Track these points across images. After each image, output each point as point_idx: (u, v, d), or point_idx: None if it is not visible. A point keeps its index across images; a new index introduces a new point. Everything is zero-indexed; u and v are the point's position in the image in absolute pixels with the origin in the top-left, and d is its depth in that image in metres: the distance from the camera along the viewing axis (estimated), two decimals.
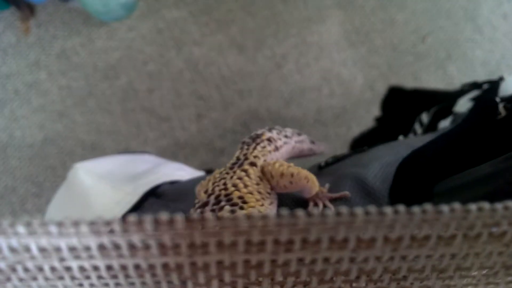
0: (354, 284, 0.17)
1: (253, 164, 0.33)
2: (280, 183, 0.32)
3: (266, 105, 1.05)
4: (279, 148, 0.38)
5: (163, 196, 0.41)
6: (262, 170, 0.33)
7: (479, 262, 0.16)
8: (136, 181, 0.43)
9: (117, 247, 0.13)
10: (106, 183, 0.42)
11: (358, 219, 0.12)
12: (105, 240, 0.13)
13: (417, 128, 0.63)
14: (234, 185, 0.30)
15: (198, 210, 0.29)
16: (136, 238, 0.13)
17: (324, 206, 0.33)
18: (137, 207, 0.40)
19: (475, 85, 0.57)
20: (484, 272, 0.17)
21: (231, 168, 0.33)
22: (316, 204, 0.33)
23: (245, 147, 0.37)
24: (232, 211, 0.28)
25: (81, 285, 0.15)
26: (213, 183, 0.32)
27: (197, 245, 0.13)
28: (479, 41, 1.17)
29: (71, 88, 1.03)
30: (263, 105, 1.05)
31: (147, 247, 0.13)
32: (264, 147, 0.37)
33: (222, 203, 0.29)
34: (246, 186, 0.30)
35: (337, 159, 0.42)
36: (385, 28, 1.14)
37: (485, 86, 0.55)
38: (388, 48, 1.13)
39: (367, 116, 1.06)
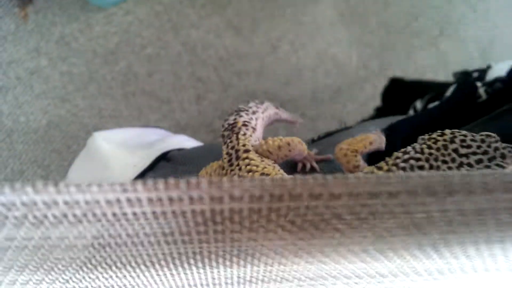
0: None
1: (247, 151, 0.36)
2: (280, 155, 0.36)
3: (263, 86, 1.07)
4: (255, 127, 0.40)
5: (172, 161, 0.46)
6: (258, 152, 0.36)
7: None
8: (149, 148, 0.47)
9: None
10: (123, 149, 0.47)
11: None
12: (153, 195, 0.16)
13: (411, 113, 0.66)
14: (249, 171, 0.33)
15: None
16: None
17: (311, 166, 0.38)
18: (150, 169, 0.44)
19: (465, 74, 0.61)
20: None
21: (230, 165, 0.35)
22: (304, 165, 0.38)
23: (228, 140, 0.37)
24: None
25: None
26: None
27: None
28: (472, 19, 1.19)
29: (72, 74, 1.05)
30: (260, 86, 1.07)
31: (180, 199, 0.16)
32: (244, 133, 0.38)
33: None
34: (258, 166, 0.33)
35: (328, 134, 0.46)
36: (378, 8, 1.16)
37: (475, 75, 0.58)
38: (381, 27, 1.15)
39: (362, 94, 1.09)
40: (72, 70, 1.06)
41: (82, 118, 1.02)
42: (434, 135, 0.31)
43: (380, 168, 0.31)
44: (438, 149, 0.30)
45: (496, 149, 0.29)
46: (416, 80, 0.82)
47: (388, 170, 0.30)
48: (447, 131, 0.31)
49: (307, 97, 1.08)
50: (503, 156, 0.29)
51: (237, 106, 0.42)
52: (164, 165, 0.45)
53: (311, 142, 0.47)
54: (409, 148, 0.31)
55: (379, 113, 0.84)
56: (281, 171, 0.34)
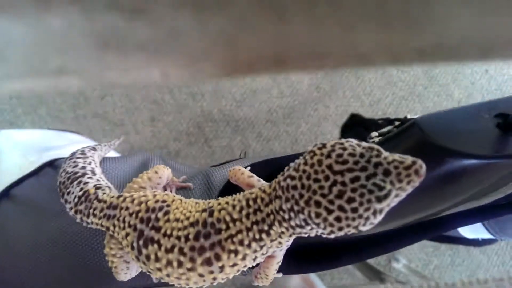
0: None
1: (120, 196, 0.35)
2: (153, 184, 0.37)
3: (218, 107, 1.09)
4: (105, 180, 0.39)
5: (58, 168, 0.45)
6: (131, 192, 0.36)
7: None
8: (44, 153, 0.47)
9: None
10: (17, 150, 0.47)
11: None
12: None
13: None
14: (140, 203, 0.33)
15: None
16: None
17: (170, 191, 0.41)
18: (35, 173, 0.45)
19: (388, 121, 0.65)
20: None
21: (112, 218, 0.34)
22: (165, 189, 0.40)
23: (92, 211, 0.35)
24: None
25: None
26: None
27: None
28: (433, 65, 1.27)
29: (21, 97, 1.03)
30: (216, 107, 1.09)
31: None
32: (103, 193, 0.36)
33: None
34: (147, 196, 0.34)
35: (227, 162, 0.48)
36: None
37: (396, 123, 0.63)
38: None
39: (315, 114, 1.13)
40: (22, 94, 1.03)
41: None
42: (315, 148, 0.28)
43: (270, 186, 0.31)
44: (312, 165, 0.27)
45: (377, 164, 0.26)
46: (372, 118, 0.88)
47: (274, 188, 0.30)
48: (330, 142, 0.28)
49: (262, 118, 1.10)
50: (386, 173, 0.25)
51: (64, 175, 0.39)
52: (47, 172, 0.45)
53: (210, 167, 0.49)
54: (292, 164, 0.29)
55: None
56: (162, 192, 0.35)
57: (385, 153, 0.26)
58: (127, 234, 0.32)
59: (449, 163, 0.31)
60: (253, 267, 0.36)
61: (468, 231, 0.70)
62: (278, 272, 0.38)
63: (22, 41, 0.12)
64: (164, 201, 0.33)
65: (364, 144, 0.27)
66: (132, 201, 0.33)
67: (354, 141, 0.28)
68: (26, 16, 0.11)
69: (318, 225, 0.27)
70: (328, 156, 0.27)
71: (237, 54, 0.13)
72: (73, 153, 0.41)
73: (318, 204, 0.26)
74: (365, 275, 0.89)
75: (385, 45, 0.14)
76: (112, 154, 0.50)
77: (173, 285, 0.33)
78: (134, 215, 0.33)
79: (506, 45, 0.15)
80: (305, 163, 0.28)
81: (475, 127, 0.32)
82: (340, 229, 0.26)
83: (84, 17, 0.11)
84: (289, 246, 0.33)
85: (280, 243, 0.31)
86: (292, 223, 0.29)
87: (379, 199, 0.25)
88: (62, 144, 0.52)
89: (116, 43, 0.12)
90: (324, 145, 0.28)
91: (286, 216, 0.29)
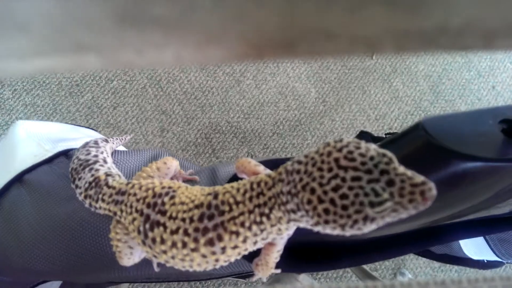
0: None
1: (129, 183, 0.36)
2: (161, 175, 0.38)
3: (226, 119, 1.10)
4: (116, 170, 0.40)
5: (71, 158, 0.47)
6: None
7: None
8: (59, 143, 0.48)
9: None
10: (33, 140, 0.48)
11: None
12: None
13: None
14: (147, 189, 0.34)
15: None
16: None
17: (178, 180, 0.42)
18: (49, 161, 0.46)
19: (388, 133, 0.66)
20: None
21: (121, 203, 0.35)
22: (173, 179, 0.41)
23: (101, 196, 0.36)
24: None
25: None
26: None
27: None
28: (422, 56, 1.28)
29: (36, 105, 1.05)
30: (223, 118, 1.10)
31: None
32: (114, 180, 0.37)
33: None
34: (154, 183, 0.35)
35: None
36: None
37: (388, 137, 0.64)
38: (338, 64, 1.21)
39: (321, 127, 1.13)
40: (36, 102, 1.06)
41: None
42: (331, 140, 0.28)
43: (276, 171, 0.31)
44: (321, 154, 0.27)
45: (383, 172, 0.25)
46: (381, 136, 0.89)
47: (279, 173, 0.30)
48: (348, 139, 0.27)
49: (269, 130, 1.11)
50: (389, 183, 0.24)
51: (76, 162, 0.40)
52: (61, 161, 0.46)
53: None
54: (306, 151, 0.30)
55: None
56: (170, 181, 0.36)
57: (397, 164, 0.25)
58: (134, 219, 0.33)
59: (453, 165, 0.31)
60: (253, 257, 0.36)
61: (473, 252, 0.68)
62: (277, 267, 0.38)
63: (46, 15, 0.13)
64: (170, 187, 0.34)
65: (380, 150, 0.26)
66: (140, 188, 0.34)
67: (372, 145, 0.27)
68: None
69: (307, 212, 0.27)
70: (339, 150, 0.27)
71: (247, 33, 0.14)
72: (87, 143, 0.42)
73: (312, 191, 0.26)
74: None
75: (389, 28, 0.15)
76: (122, 149, 0.51)
77: (171, 281, 0.33)
78: (141, 201, 0.33)
79: (510, 31, 0.16)
80: (316, 152, 0.28)
81: (480, 131, 0.32)
82: (326, 222, 0.26)
83: None
84: (290, 236, 0.33)
85: (279, 230, 0.31)
86: (288, 207, 0.29)
87: (372, 205, 0.24)
88: (78, 137, 0.53)
89: (133, 19, 0.13)
90: (341, 140, 0.27)
91: (284, 199, 0.29)
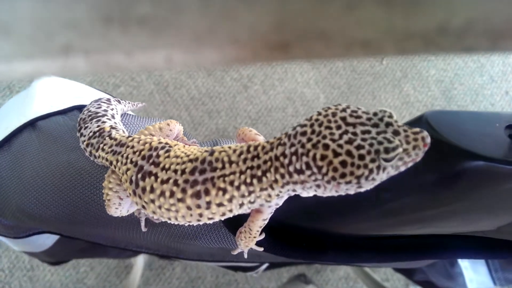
0: None
1: (130, 136, 0.38)
2: (162, 135, 0.39)
3: (234, 124, 1.10)
4: (122, 128, 0.42)
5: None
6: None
7: None
8: (77, 99, 0.51)
9: None
10: (52, 92, 0.51)
11: None
12: None
13: None
14: (145, 143, 0.35)
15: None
16: None
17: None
18: (64, 113, 0.49)
19: None
20: None
21: (117, 154, 0.37)
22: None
23: (102, 145, 0.38)
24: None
25: None
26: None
27: None
28: (433, 60, 1.26)
29: None
30: (231, 124, 1.10)
31: None
32: (117, 133, 0.39)
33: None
34: (152, 138, 0.36)
35: None
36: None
37: None
38: (348, 69, 1.20)
39: None
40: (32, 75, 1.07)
41: None
42: (330, 105, 0.30)
43: (276, 137, 0.32)
44: (326, 116, 0.28)
45: (388, 124, 0.27)
46: None
47: (279, 138, 0.30)
48: (344, 104, 0.30)
49: (276, 135, 1.10)
50: (395, 133, 0.27)
51: (86, 113, 0.42)
52: (75, 114, 0.49)
53: None
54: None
55: None
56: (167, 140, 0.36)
57: (396, 118, 0.28)
58: (128, 169, 0.35)
59: (454, 161, 0.30)
60: (237, 225, 0.37)
61: (476, 284, 0.66)
62: (260, 245, 0.39)
63: (29, 17, 0.12)
64: (167, 143, 0.35)
65: (380, 108, 0.29)
66: (139, 142, 0.36)
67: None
68: None
69: (320, 168, 0.27)
70: (343, 110, 0.28)
71: (239, 34, 0.13)
72: (100, 98, 0.44)
73: (326, 146, 0.27)
74: None
75: (387, 29, 0.14)
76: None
77: (160, 255, 0.32)
78: (137, 153, 0.35)
79: None
80: (319, 114, 0.29)
81: (485, 131, 0.32)
82: (343, 175, 0.27)
83: None
84: (278, 206, 0.34)
85: (269, 196, 0.31)
86: (291, 168, 0.29)
87: (387, 151, 0.26)
88: (95, 97, 0.56)
89: (118, 19, 0.12)
90: (340, 104, 0.29)
91: (286, 161, 0.29)
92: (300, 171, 0.28)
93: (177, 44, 0.14)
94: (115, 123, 0.41)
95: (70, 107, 0.49)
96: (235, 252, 0.40)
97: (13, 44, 0.13)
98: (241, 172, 0.31)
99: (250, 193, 0.31)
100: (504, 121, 0.33)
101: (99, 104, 0.43)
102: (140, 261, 0.94)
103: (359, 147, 0.26)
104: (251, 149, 0.32)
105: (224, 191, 0.31)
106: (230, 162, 0.32)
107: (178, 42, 0.14)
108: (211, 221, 0.33)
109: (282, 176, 0.30)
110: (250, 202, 0.32)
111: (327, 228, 0.37)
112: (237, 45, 0.14)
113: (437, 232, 0.38)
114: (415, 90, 1.22)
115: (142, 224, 0.42)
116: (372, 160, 0.26)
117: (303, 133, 0.28)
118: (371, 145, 0.26)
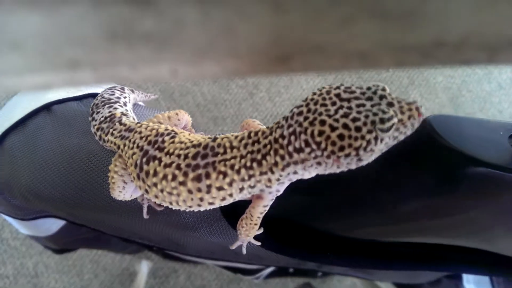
0: None
1: (139, 123, 0.39)
2: (171, 124, 0.41)
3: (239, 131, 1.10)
4: (133, 116, 0.43)
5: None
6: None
7: None
8: (93, 87, 0.54)
9: None
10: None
11: None
12: None
13: None
14: (152, 129, 0.37)
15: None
16: None
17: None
18: (78, 99, 0.51)
19: None
20: None
21: (125, 139, 0.38)
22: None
23: (111, 130, 0.39)
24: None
25: None
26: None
27: None
28: (440, 68, 1.26)
29: None
30: (236, 131, 1.10)
31: None
32: (127, 119, 0.41)
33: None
34: (160, 126, 0.38)
35: None
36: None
37: None
38: (354, 76, 1.20)
39: None
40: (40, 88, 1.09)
41: None
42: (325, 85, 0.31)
43: (275, 122, 0.33)
44: (320, 94, 0.29)
45: (382, 97, 0.28)
46: None
47: (277, 122, 0.32)
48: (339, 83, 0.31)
49: None
50: (389, 104, 0.28)
51: (99, 99, 0.44)
52: (89, 101, 0.51)
53: None
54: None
55: None
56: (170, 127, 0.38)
57: (389, 91, 0.29)
58: (134, 153, 0.36)
59: (456, 166, 0.30)
60: (237, 218, 0.37)
61: None
62: (258, 239, 0.39)
63: (38, 33, 0.13)
64: (173, 130, 0.36)
65: (373, 82, 0.30)
66: (146, 128, 0.37)
67: None
68: (41, 7, 0.12)
69: (319, 144, 0.28)
70: (337, 88, 0.29)
71: (238, 47, 0.14)
72: (114, 86, 0.46)
73: (323, 122, 0.28)
74: None
75: (383, 42, 0.14)
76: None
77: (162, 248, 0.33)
78: (144, 138, 0.36)
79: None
80: (314, 94, 0.30)
81: (487, 138, 0.32)
82: (342, 148, 0.27)
83: (93, 8, 0.12)
84: (278, 194, 0.34)
85: (269, 180, 0.32)
86: (290, 148, 0.30)
87: (383, 121, 0.27)
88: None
89: (123, 35, 0.13)
90: (334, 84, 0.31)
91: (285, 142, 0.30)
92: (299, 150, 0.29)
93: (180, 58, 0.14)
94: (126, 110, 0.43)
95: (86, 94, 0.51)
96: (234, 246, 0.41)
97: (23, 58, 0.14)
98: (242, 157, 0.32)
99: (250, 177, 0.32)
100: (508, 130, 0.32)
101: (112, 91, 0.45)
102: (144, 268, 0.95)
103: (355, 120, 0.27)
104: (252, 134, 0.33)
105: (225, 174, 0.32)
106: (232, 147, 0.33)
107: (180, 56, 0.14)
108: (211, 207, 0.34)
109: (282, 157, 0.30)
110: (250, 187, 0.33)
111: (328, 230, 0.37)
112: (237, 58, 0.15)
113: (442, 242, 0.37)
114: (423, 97, 1.22)
115: (144, 211, 0.43)
116: (369, 131, 0.27)
117: (300, 113, 0.29)
118: (366, 116, 0.27)
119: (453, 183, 0.31)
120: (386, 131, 0.27)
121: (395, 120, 0.27)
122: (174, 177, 0.33)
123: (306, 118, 0.29)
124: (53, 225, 0.59)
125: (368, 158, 0.28)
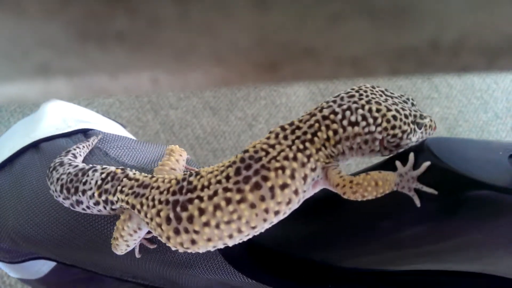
0: None
1: (149, 174, 0.37)
2: (180, 166, 0.41)
3: None
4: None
5: (88, 137, 0.51)
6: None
7: None
8: (82, 123, 0.53)
9: None
10: (59, 115, 0.52)
11: None
12: None
13: None
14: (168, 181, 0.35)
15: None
16: None
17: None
18: (67, 136, 0.50)
19: None
20: None
21: (141, 196, 0.34)
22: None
23: (119, 188, 0.35)
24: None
25: None
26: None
27: None
28: (436, 99, 1.27)
29: None
30: None
31: None
32: (134, 174, 0.37)
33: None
34: (175, 177, 0.35)
35: None
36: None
37: None
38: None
39: None
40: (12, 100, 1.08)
41: None
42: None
43: (306, 112, 0.35)
44: (366, 87, 0.34)
45: (413, 105, 0.34)
46: None
47: (316, 107, 0.35)
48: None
49: None
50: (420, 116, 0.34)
51: (67, 176, 0.40)
52: (79, 138, 0.49)
53: None
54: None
55: None
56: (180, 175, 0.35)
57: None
58: (159, 211, 0.32)
59: (459, 189, 0.29)
60: (233, 255, 0.36)
61: None
62: (259, 279, 0.38)
63: (3, 34, 0.12)
64: (191, 172, 0.34)
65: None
66: (163, 181, 0.34)
67: None
68: (4, 7, 0.11)
69: (375, 119, 0.31)
70: (378, 86, 0.34)
71: (221, 50, 0.13)
72: (61, 161, 0.42)
73: (378, 103, 0.32)
74: None
75: (376, 45, 0.14)
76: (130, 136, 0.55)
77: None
78: (165, 192, 0.32)
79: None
80: (358, 87, 0.34)
81: (487, 158, 0.31)
82: (394, 127, 0.31)
83: (61, 5, 0.11)
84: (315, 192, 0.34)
85: (326, 156, 0.31)
86: (345, 122, 0.31)
87: (422, 117, 0.33)
88: (101, 123, 0.57)
89: (95, 35, 0.12)
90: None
91: (339, 117, 0.31)
92: (355, 123, 0.31)
93: (159, 62, 0.13)
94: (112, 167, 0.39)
95: (75, 130, 0.50)
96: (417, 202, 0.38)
97: None
98: (289, 146, 0.31)
99: (308, 158, 0.30)
100: (507, 150, 0.32)
101: (70, 165, 0.41)
102: None
103: (403, 109, 0.32)
104: (286, 126, 0.33)
105: (283, 168, 0.30)
106: (272, 146, 0.31)
107: (159, 59, 0.13)
108: (277, 218, 0.31)
109: (335, 132, 0.31)
110: (311, 170, 0.30)
111: (327, 260, 0.36)
112: (220, 62, 0.14)
113: (446, 268, 0.36)
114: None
115: (136, 249, 0.41)
116: (412, 122, 0.32)
117: (351, 96, 0.33)
118: (410, 110, 0.32)
119: (454, 206, 0.30)
120: (421, 127, 0.32)
121: (428, 120, 0.33)
122: (229, 200, 0.29)
123: (361, 99, 0.32)
124: (43, 267, 0.56)
125: (404, 146, 0.33)
